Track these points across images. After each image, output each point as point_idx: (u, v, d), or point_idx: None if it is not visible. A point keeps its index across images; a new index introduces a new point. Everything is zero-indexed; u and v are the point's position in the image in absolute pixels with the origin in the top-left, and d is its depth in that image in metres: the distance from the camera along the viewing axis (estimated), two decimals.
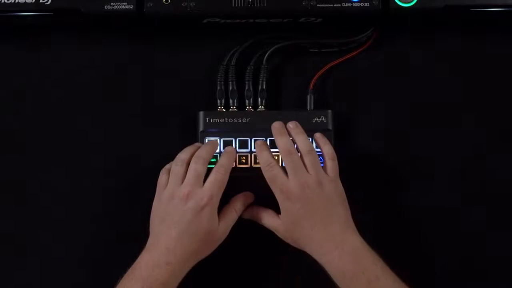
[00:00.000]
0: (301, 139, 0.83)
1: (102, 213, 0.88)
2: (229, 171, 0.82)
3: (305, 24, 0.90)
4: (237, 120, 0.87)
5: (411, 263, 0.85)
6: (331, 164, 0.83)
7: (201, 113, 0.87)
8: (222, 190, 0.81)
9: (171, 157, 0.87)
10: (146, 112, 0.90)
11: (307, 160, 0.82)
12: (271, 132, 0.86)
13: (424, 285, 0.86)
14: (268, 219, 0.83)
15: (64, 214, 0.88)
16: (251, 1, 0.86)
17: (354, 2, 0.87)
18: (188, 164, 0.82)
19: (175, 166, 0.82)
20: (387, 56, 0.92)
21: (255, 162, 0.87)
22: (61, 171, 0.89)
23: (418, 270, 0.87)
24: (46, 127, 0.90)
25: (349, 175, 0.87)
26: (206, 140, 0.87)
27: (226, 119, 0.87)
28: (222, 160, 0.83)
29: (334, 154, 0.84)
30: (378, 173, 0.90)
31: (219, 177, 0.81)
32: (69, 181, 0.89)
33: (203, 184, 0.81)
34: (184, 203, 0.79)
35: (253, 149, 0.87)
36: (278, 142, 0.83)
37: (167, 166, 0.84)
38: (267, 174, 0.81)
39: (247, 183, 0.86)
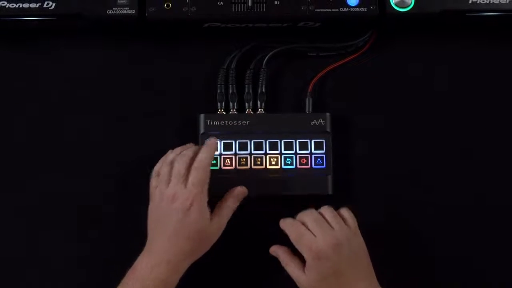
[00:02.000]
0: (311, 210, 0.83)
1: (101, 215, 0.89)
2: (209, 164, 0.82)
3: (304, 28, 0.90)
4: (237, 122, 0.88)
5: (411, 263, 0.87)
6: (349, 215, 0.82)
7: (202, 116, 0.88)
8: (206, 186, 0.80)
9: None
10: (147, 114, 0.91)
11: (328, 216, 0.81)
12: (270, 134, 0.87)
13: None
14: (293, 269, 0.81)
15: (63, 215, 0.88)
16: (251, 6, 0.87)
17: (352, 7, 0.88)
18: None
19: (163, 167, 0.82)
20: (385, 60, 0.93)
21: (255, 164, 0.87)
22: (61, 173, 0.89)
23: (418, 270, 0.88)
24: (47, 130, 0.90)
25: (346, 178, 0.89)
26: (207, 141, 0.86)
27: (226, 121, 0.88)
28: (200, 155, 0.82)
29: (348, 211, 0.83)
30: (375, 176, 0.90)
31: (199, 174, 0.80)
32: (69, 182, 0.89)
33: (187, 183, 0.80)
34: (171, 204, 0.79)
35: (252, 151, 0.87)
36: (299, 216, 0.82)
37: (156, 168, 0.84)
38: (293, 234, 0.80)
39: (247, 184, 0.86)
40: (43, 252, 0.88)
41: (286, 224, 0.82)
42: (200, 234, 0.80)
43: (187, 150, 0.83)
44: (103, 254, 0.88)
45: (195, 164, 0.81)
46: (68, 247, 0.88)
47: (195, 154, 0.82)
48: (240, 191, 0.85)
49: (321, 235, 0.79)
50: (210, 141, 0.84)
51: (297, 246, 0.80)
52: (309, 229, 0.80)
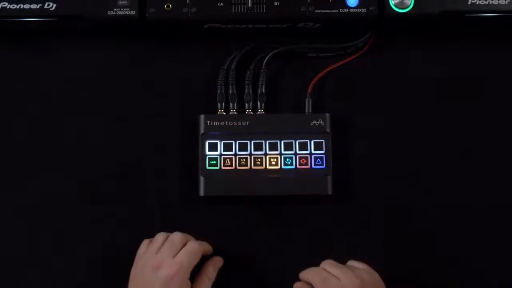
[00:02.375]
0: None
1: (102, 215, 0.89)
2: (202, 248, 0.82)
3: (304, 29, 0.91)
4: (237, 123, 0.88)
5: (411, 263, 0.87)
6: (357, 262, 0.84)
7: (202, 116, 0.88)
8: (194, 261, 0.80)
9: (172, 159, 0.89)
10: (148, 115, 0.91)
11: (343, 263, 0.83)
12: (270, 135, 0.87)
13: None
14: None
15: (64, 216, 0.88)
16: (251, 7, 0.87)
17: (352, 8, 0.88)
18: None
19: (157, 237, 0.82)
20: (384, 61, 0.93)
21: (255, 164, 0.87)
22: (61, 174, 0.89)
23: (418, 270, 0.88)
24: (47, 130, 0.90)
25: (345, 178, 0.89)
26: (207, 143, 0.87)
27: (226, 122, 0.88)
28: (197, 243, 0.82)
29: (352, 260, 0.84)
30: (375, 176, 0.90)
31: (191, 247, 0.81)
32: (70, 182, 0.89)
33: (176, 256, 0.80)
34: (155, 272, 0.78)
35: (252, 151, 0.87)
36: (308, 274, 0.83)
37: (147, 239, 0.84)
38: (316, 280, 0.81)
39: (247, 184, 0.87)
40: (43, 252, 0.88)
41: (308, 272, 0.83)
42: None
43: (187, 235, 0.83)
44: (103, 255, 0.88)
45: (191, 243, 0.81)
46: (68, 247, 0.88)
47: (190, 237, 0.83)
48: (218, 261, 0.85)
49: (344, 277, 0.80)
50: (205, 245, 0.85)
51: None
52: (331, 274, 0.80)
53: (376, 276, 0.81)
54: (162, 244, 0.81)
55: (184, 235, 0.82)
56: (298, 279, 0.85)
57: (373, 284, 0.80)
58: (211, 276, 0.83)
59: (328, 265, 0.82)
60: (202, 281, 0.82)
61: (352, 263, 0.84)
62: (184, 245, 0.81)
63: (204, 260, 0.84)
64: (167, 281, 0.78)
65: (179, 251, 0.80)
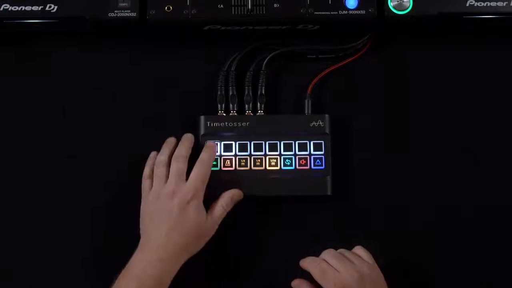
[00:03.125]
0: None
1: (102, 216, 0.89)
2: (210, 164, 0.84)
3: (303, 31, 0.91)
4: (237, 124, 0.89)
5: (410, 264, 0.87)
6: (364, 251, 0.84)
7: (202, 117, 0.89)
8: (205, 184, 0.83)
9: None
10: (148, 116, 0.91)
11: (346, 253, 0.83)
12: (270, 136, 0.88)
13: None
14: None
15: (62, 216, 0.89)
16: (251, 9, 0.88)
17: (351, 9, 0.88)
18: (168, 164, 0.84)
19: (157, 168, 0.84)
20: (383, 62, 0.93)
21: (255, 165, 0.88)
22: (61, 175, 0.90)
23: (418, 270, 0.88)
24: (49, 131, 0.91)
25: (345, 179, 0.90)
26: (207, 143, 0.88)
27: (226, 123, 0.89)
28: (202, 155, 0.85)
29: (361, 247, 0.84)
30: (374, 176, 0.91)
31: (200, 171, 0.83)
32: (70, 185, 0.89)
33: (186, 180, 0.82)
34: (170, 200, 0.81)
35: (252, 152, 0.88)
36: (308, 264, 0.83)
37: (146, 171, 0.86)
38: (316, 270, 0.81)
39: (246, 185, 0.87)
40: (44, 253, 0.88)
41: (307, 262, 0.83)
42: (197, 230, 0.82)
43: (181, 150, 0.85)
44: (104, 255, 0.89)
45: (198, 162, 0.84)
46: (67, 249, 0.88)
47: (188, 152, 0.85)
48: (236, 193, 0.86)
49: (344, 269, 0.80)
50: (210, 143, 0.87)
51: (320, 282, 0.80)
52: (331, 265, 0.81)
53: (376, 270, 0.82)
54: (166, 174, 0.83)
55: (181, 158, 0.84)
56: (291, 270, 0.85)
57: (372, 278, 0.80)
58: (225, 206, 0.85)
59: (328, 256, 0.82)
60: (216, 209, 0.84)
61: (357, 250, 0.84)
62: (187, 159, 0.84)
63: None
64: (184, 206, 0.81)
65: (187, 175, 0.82)
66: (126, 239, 0.86)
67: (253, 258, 0.89)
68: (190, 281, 0.84)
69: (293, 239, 0.89)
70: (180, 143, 0.87)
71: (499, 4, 0.88)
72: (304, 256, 0.84)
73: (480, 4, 0.88)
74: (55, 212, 0.89)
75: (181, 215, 0.81)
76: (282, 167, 0.88)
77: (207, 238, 0.83)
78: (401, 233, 0.89)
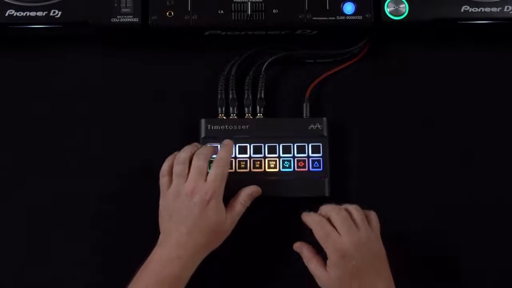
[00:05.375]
0: (343, 206, 0.83)
1: (103, 218, 0.90)
2: (228, 162, 0.84)
3: (302, 36, 0.92)
4: (237, 127, 0.89)
5: (410, 263, 0.87)
6: (374, 218, 0.83)
7: (203, 120, 0.89)
8: (224, 182, 0.83)
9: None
10: (150, 119, 0.92)
11: (355, 216, 0.81)
12: (269, 138, 0.89)
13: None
14: (315, 266, 0.82)
15: (71, 217, 0.90)
16: (250, 14, 0.88)
17: (348, 15, 0.89)
18: (189, 162, 0.84)
19: (177, 165, 0.83)
20: (380, 66, 0.94)
21: (254, 167, 0.89)
22: (64, 178, 0.90)
23: (418, 270, 0.89)
24: (52, 134, 0.92)
25: (342, 180, 0.90)
26: (224, 141, 0.87)
27: (226, 126, 0.89)
28: (220, 153, 0.85)
29: (375, 214, 0.84)
30: (372, 178, 0.91)
31: (219, 170, 0.83)
32: (71, 187, 0.90)
33: (206, 179, 0.82)
34: (190, 198, 0.81)
35: (252, 155, 0.89)
36: (323, 210, 0.83)
37: (164, 167, 0.85)
38: (319, 232, 0.80)
39: (246, 186, 0.87)
40: (48, 251, 0.89)
41: (312, 220, 0.82)
42: (217, 228, 0.82)
43: (203, 149, 0.85)
44: (105, 255, 0.89)
45: (216, 161, 0.84)
46: (70, 247, 0.89)
47: (210, 153, 0.85)
48: (255, 190, 0.87)
49: (346, 235, 0.79)
50: (227, 141, 0.87)
51: (321, 243, 0.80)
52: (335, 227, 0.80)
53: (379, 244, 0.81)
54: (186, 171, 0.83)
55: (202, 156, 0.83)
56: (296, 281, 0.86)
57: (372, 250, 0.80)
58: (244, 202, 0.85)
59: (335, 215, 0.81)
60: (235, 206, 0.84)
61: (370, 214, 0.83)
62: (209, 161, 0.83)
63: None
64: (204, 206, 0.80)
65: (207, 174, 0.82)
66: (129, 238, 0.88)
67: (252, 258, 0.89)
68: (200, 275, 0.84)
69: (291, 239, 0.88)
70: (203, 145, 0.87)
71: (493, 9, 0.89)
72: (302, 267, 0.83)
73: (475, 9, 0.89)
74: (54, 212, 0.90)
75: (201, 215, 0.81)
76: (281, 169, 0.89)
77: (226, 235, 0.83)
78: (399, 234, 0.89)
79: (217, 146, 0.87)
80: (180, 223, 0.81)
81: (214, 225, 0.82)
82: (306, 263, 0.83)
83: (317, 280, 0.82)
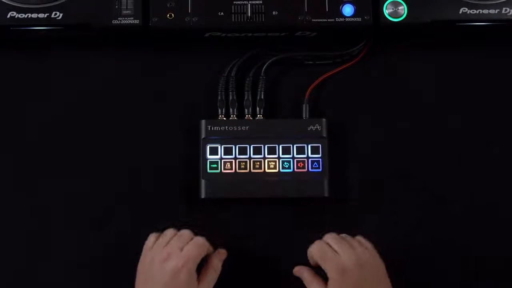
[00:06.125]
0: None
1: (104, 218, 0.90)
2: (205, 249, 0.83)
3: (301, 37, 0.93)
4: (237, 128, 0.90)
5: (410, 263, 0.88)
6: (364, 240, 0.84)
7: (203, 122, 0.90)
8: (201, 254, 0.81)
9: (174, 163, 0.90)
10: (150, 120, 0.92)
11: (348, 239, 0.83)
12: (268, 139, 0.89)
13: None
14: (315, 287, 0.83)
15: (72, 217, 0.90)
16: (250, 16, 0.89)
17: (347, 17, 0.89)
18: (176, 235, 0.83)
19: (166, 231, 0.84)
20: (379, 67, 0.94)
21: (254, 168, 0.89)
22: (64, 178, 0.90)
23: (418, 270, 0.89)
24: (52, 134, 0.92)
25: (341, 181, 0.91)
26: (208, 147, 0.89)
27: (226, 127, 0.90)
28: (203, 240, 0.83)
29: (362, 237, 0.85)
30: (371, 179, 0.92)
31: (198, 241, 0.82)
32: (71, 187, 0.90)
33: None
34: (163, 264, 0.79)
35: (252, 155, 0.89)
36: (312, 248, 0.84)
37: (154, 233, 0.84)
38: (317, 254, 0.82)
39: (246, 187, 0.88)
40: (53, 252, 0.89)
41: (310, 248, 0.83)
42: None
43: (185, 231, 0.84)
44: (105, 255, 0.90)
45: (198, 238, 0.83)
46: (70, 247, 0.90)
47: (194, 235, 0.84)
48: (223, 252, 0.86)
49: (344, 253, 0.80)
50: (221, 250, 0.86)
51: (320, 263, 0.81)
52: (332, 248, 0.81)
53: (377, 259, 0.82)
54: (171, 239, 0.82)
55: (191, 231, 0.84)
56: (295, 279, 0.86)
57: (372, 265, 0.81)
58: (216, 268, 0.84)
59: (330, 238, 0.83)
60: (208, 273, 0.83)
61: (359, 239, 0.84)
62: (191, 239, 0.82)
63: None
64: (175, 273, 0.79)
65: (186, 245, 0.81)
66: (130, 238, 0.88)
67: (252, 258, 0.90)
68: None
69: (291, 239, 0.90)
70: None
71: (491, 11, 0.89)
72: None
73: (473, 11, 0.89)
74: (54, 212, 0.90)
75: (171, 282, 0.79)
76: (281, 170, 0.89)
77: None
78: (398, 234, 0.90)
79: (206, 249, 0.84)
80: (153, 287, 0.80)
81: None
82: (307, 286, 0.83)
83: None
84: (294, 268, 0.85)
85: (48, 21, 0.88)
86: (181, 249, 0.81)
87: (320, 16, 0.90)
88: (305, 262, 0.85)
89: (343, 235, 0.84)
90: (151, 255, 0.82)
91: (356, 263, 0.79)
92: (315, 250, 0.82)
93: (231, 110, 0.92)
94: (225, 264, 0.87)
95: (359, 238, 0.84)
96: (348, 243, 0.82)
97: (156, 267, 0.80)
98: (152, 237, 0.84)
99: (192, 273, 0.80)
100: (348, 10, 0.90)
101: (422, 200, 0.92)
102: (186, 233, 0.83)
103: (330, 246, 0.82)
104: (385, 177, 0.92)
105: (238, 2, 0.89)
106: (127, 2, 0.88)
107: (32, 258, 0.89)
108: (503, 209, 0.92)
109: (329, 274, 0.80)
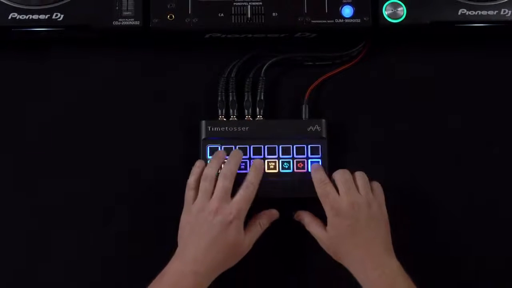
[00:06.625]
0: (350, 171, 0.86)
1: (104, 219, 0.90)
2: (257, 186, 0.85)
3: (301, 39, 0.93)
4: (237, 128, 0.90)
5: (409, 264, 0.87)
6: (378, 187, 0.86)
7: (203, 122, 0.90)
8: (248, 206, 0.84)
9: (174, 164, 0.91)
10: (151, 121, 0.93)
11: (359, 181, 0.85)
12: (268, 140, 0.89)
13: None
14: (315, 228, 0.85)
15: (72, 217, 0.90)
16: (250, 17, 0.89)
17: (346, 18, 0.90)
18: (215, 179, 0.84)
19: (204, 182, 0.84)
20: (378, 68, 0.95)
21: None
22: (64, 178, 0.91)
23: (418, 271, 0.88)
24: (52, 135, 0.92)
25: None
26: (208, 148, 0.89)
27: (226, 127, 0.90)
28: (250, 176, 0.85)
29: (378, 184, 0.87)
30: (371, 179, 0.89)
31: (247, 194, 0.83)
32: (71, 187, 0.91)
33: (231, 199, 0.83)
34: (213, 217, 0.82)
35: (252, 156, 0.89)
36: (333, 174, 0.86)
37: (191, 181, 0.85)
38: (319, 190, 0.84)
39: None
40: (55, 251, 0.90)
41: (315, 178, 0.86)
42: (234, 248, 0.83)
43: (229, 167, 0.85)
44: (105, 254, 0.90)
45: (245, 183, 0.84)
46: (74, 247, 0.90)
47: (236, 171, 0.85)
48: (275, 213, 0.88)
49: (345, 195, 0.83)
50: (258, 162, 0.87)
51: (321, 200, 0.84)
52: (336, 187, 0.84)
53: (380, 209, 0.84)
54: (211, 188, 0.83)
55: (229, 175, 0.84)
56: (295, 276, 0.87)
57: (369, 211, 0.82)
58: (263, 225, 0.86)
59: (339, 177, 0.84)
60: (254, 227, 0.85)
61: (373, 184, 0.86)
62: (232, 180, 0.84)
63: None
64: (226, 226, 0.81)
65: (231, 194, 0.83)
66: (130, 238, 0.88)
67: (252, 258, 0.88)
68: None
69: (290, 239, 0.90)
70: (229, 158, 0.87)
71: (490, 13, 0.90)
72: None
73: (472, 13, 0.90)
74: (54, 212, 0.90)
75: (221, 234, 0.81)
76: (281, 170, 0.89)
77: (243, 255, 0.84)
78: (397, 234, 0.88)
79: (241, 155, 0.87)
80: (200, 238, 0.82)
81: (233, 245, 0.82)
82: (307, 228, 0.86)
83: (318, 241, 0.85)
84: (295, 214, 0.88)
85: (49, 22, 0.88)
86: (229, 201, 0.82)
87: (320, 17, 0.90)
88: (304, 263, 0.86)
89: (360, 175, 0.85)
90: (197, 207, 0.83)
91: (354, 208, 0.82)
92: (319, 188, 0.84)
93: (231, 110, 0.92)
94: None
95: (374, 184, 0.86)
96: (357, 186, 0.84)
97: (205, 219, 0.82)
98: (190, 190, 0.84)
99: (240, 225, 0.82)
100: (347, 11, 0.90)
101: (422, 200, 0.92)
102: (229, 173, 0.84)
103: (335, 185, 0.84)
104: (386, 178, 0.91)
105: (238, 4, 0.90)
106: (127, 3, 0.89)
107: (32, 258, 0.90)
108: (503, 209, 0.92)
109: (327, 215, 0.83)
